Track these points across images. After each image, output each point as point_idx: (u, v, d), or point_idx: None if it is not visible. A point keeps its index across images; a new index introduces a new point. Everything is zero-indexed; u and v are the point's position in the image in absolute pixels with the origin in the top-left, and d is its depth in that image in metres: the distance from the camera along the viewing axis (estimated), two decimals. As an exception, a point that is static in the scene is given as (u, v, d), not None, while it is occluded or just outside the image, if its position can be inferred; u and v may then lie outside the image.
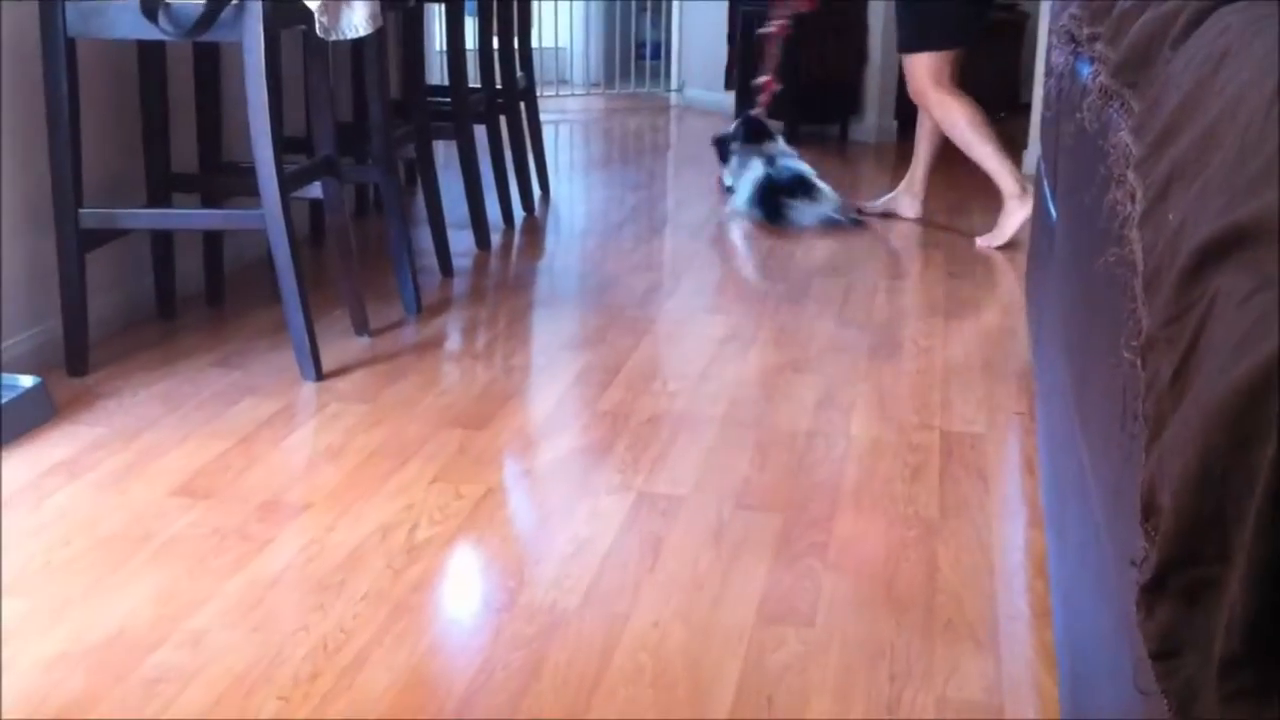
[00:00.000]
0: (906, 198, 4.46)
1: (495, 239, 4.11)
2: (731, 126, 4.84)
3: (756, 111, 4.88)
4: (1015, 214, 4.05)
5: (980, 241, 4.13)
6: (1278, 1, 1.17)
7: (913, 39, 4.09)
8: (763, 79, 4.99)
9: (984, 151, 4.07)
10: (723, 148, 4.77)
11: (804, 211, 4.33)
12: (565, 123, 6.75)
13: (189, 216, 3.07)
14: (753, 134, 4.68)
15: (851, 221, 4.36)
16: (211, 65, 3.16)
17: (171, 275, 3.17)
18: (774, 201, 4.34)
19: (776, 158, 4.51)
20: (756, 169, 4.43)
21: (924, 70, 4.05)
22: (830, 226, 4.31)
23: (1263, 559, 0.60)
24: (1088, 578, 1.30)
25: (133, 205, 3.04)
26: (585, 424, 2.61)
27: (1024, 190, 4.02)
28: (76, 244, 2.73)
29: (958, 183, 4.83)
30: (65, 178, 2.68)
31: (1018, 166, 5.26)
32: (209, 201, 3.22)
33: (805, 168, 4.49)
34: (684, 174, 5.54)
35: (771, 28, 4.91)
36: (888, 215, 4.46)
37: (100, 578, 1.96)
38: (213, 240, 3.30)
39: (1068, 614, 1.51)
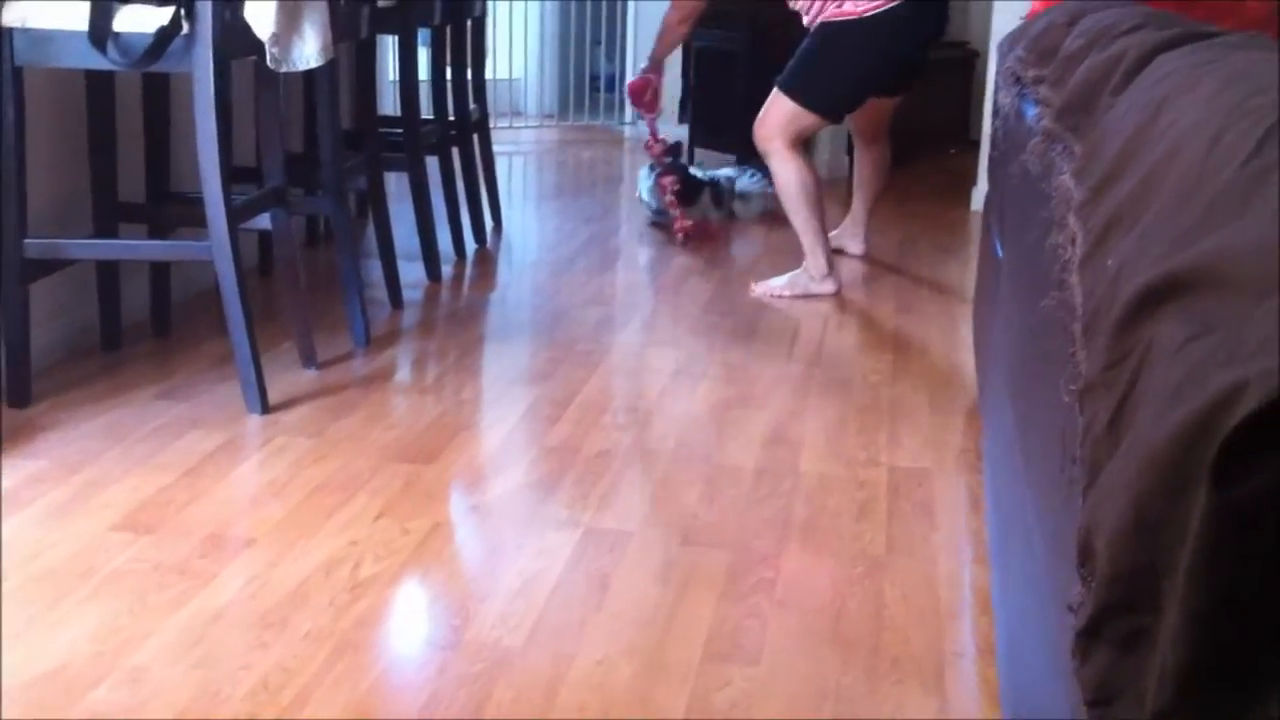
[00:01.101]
0: (849, 234, 4.46)
1: (447, 271, 4.10)
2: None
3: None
4: (806, 283, 3.92)
5: (757, 287, 3.95)
6: (1216, 49, 1.18)
7: (797, 83, 3.86)
8: (676, 215, 4.68)
9: (804, 222, 3.89)
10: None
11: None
12: (519, 154, 6.75)
13: (136, 247, 3.04)
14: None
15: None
16: (161, 95, 3.14)
17: (117, 305, 3.14)
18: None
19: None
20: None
21: (784, 116, 3.86)
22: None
23: (1195, 610, 0.61)
24: (1030, 618, 1.30)
25: (79, 235, 3.01)
26: (534, 458, 2.60)
27: (829, 274, 3.90)
28: (20, 273, 2.69)
29: (907, 217, 4.87)
30: (10, 206, 2.65)
31: (967, 205, 5.32)
32: (156, 232, 3.19)
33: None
34: (638, 207, 5.56)
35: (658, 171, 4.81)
36: (834, 252, 4.47)
37: (40, 613, 1.92)
38: (160, 271, 3.27)
39: (1010, 653, 1.52)
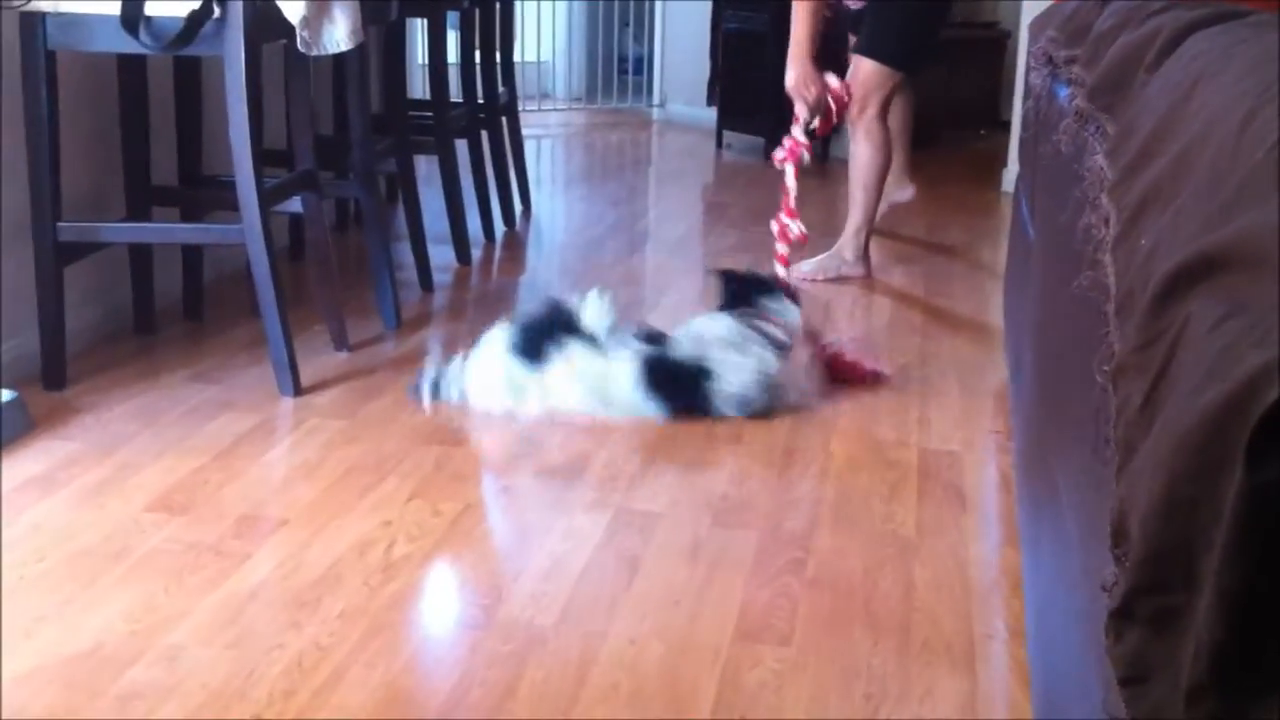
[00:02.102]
0: (895, 186, 4.42)
1: (476, 254, 4.11)
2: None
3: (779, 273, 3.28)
4: (839, 266, 3.93)
5: (798, 270, 3.74)
6: (1249, 27, 1.18)
7: (878, 46, 3.88)
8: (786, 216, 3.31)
9: (864, 200, 3.90)
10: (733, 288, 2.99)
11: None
12: (547, 137, 6.76)
13: (168, 230, 3.06)
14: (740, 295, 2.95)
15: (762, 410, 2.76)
16: (192, 79, 3.16)
17: (150, 289, 3.16)
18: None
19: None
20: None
21: (877, 81, 3.87)
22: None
23: (1229, 588, 0.61)
24: (1061, 599, 1.30)
25: (112, 219, 3.03)
26: (563, 440, 2.60)
27: (860, 260, 3.92)
28: (54, 257, 2.72)
29: (936, 199, 4.85)
30: (44, 190, 2.68)
31: (997, 186, 5.30)
32: (188, 215, 3.21)
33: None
34: (665, 189, 5.56)
35: (784, 151, 3.37)
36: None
37: (75, 593, 1.95)
38: (192, 254, 3.29)
39: (1041, 634, 1.52)
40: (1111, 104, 1.38)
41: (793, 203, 3.26)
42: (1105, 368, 0.93)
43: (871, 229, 3.99)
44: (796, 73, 3.72)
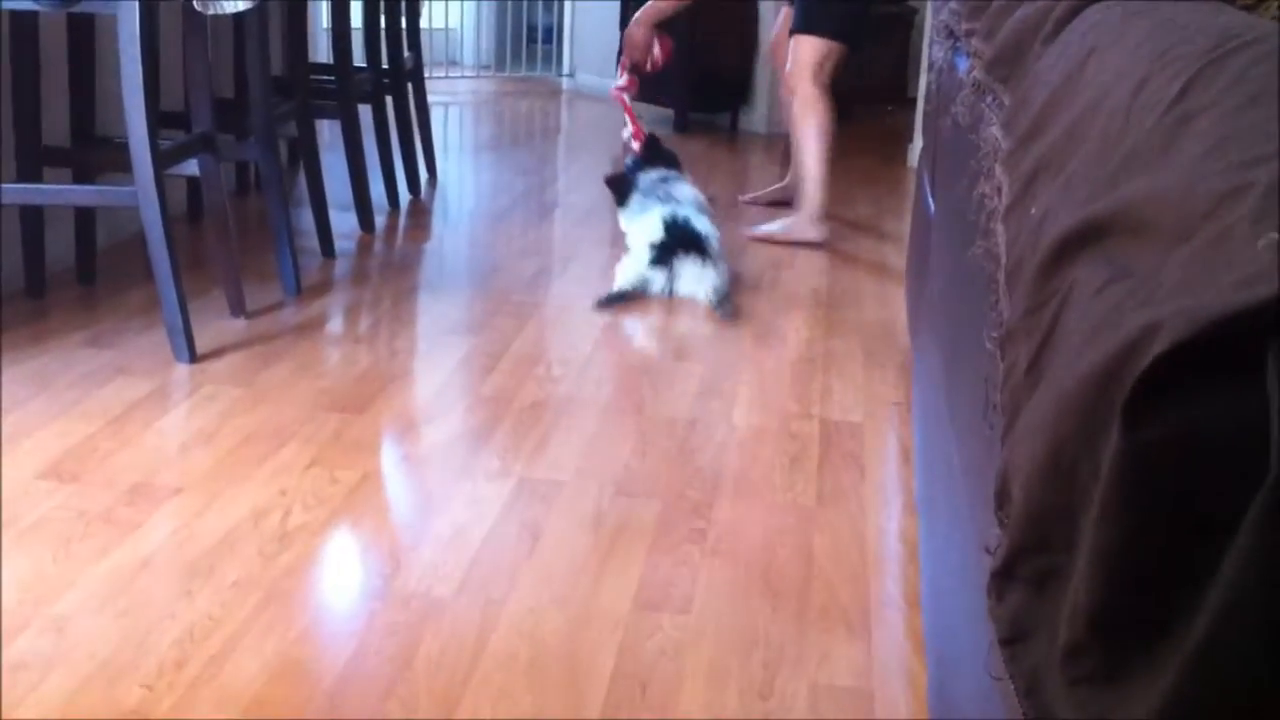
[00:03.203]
0: (796, 186, 4.48)
1: (380, 221, 4.06)
2: (626, 164, 3.97)
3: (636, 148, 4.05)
4: (799, 229, 4.05)
5: (749, 231, 4.09)
6: (1145, 1, 1.19)
7: (811, 21, 4.03)
8: (629, 131, 4.21)
9: (815, 166, 4.03)
10: (619, 188, 3.78)
11: (689, 275, 3.38)
12: (455, 105, 6.69)
13: (60, 192, 2.98)
14: (652, 157, 3.87)
15: (725, 311, 3.30)
16: (86, 36, 3.07)
17: (41, 252, 3.08)
18: (670, 248, 3.40)
19: (678, 205, 3.53)
20: (654, 217, 3.48)
21: (811, 56, 4.01)
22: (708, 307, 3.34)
23: (1106, 547, 0.61)
24: (953, 565, 1.32)
25: (2, 179, 2.94)
26: (467, 408, 2.59)
27: (818, 223, 4.04)
28: (-60, 218, 2.63)
29: (845, 173, 4.87)
30: (-72, 149, 2.59)
31: (904, 161, 5.35)
32: (81, 176, 3.13)
33: (708, 224, 3.51)
34: (574, 159, 5.53)
35: (622, 82, 4.23)
36: (776, 204, 4.48)
37: (-42, 562, 1.90)
38: (85, 216, 3.21)
39: (935, 601, 1.53)
40: (1008, 75, 1.39)
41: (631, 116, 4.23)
42: (994, 334, 0.94)
43: (825, 195, 4.07)
44: (640, 30, 4.25)
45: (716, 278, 3.37)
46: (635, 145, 4.07)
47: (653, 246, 3.40)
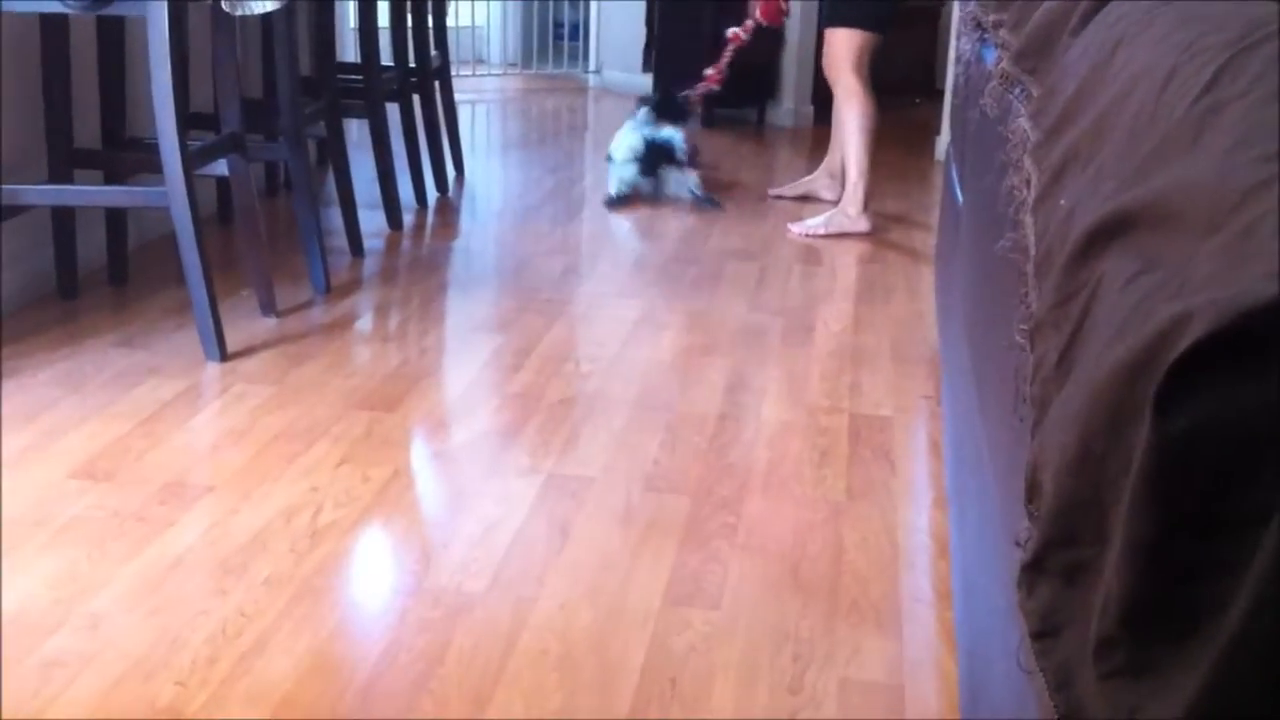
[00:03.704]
0: (825, 180, 4.49)
1: (408, 219, 4.07)
2: (655, 95, 4.77)
3: (690, 94, 4.68)
4: (844, 221, 4.08)
5: (795, 227, 4.10)
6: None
7: (841, 13, 4.07)
8: (710, 72, 4.68)
9: (858, 156, 4.07)
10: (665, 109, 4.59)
11: (672, 180, 4.40)
12: (481, 103, 6.70)
13: (91, 193, 3.00)
14: (671, 111, 4.56)
15: (710, 202, 4.37)
16: (116, 39, 3.09)
17: (73, 253, 3.10)
18: (652, 161, 4.39)
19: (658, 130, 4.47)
20: (635, 139, 4.41)
21: (845, 47, 4.04)
22: (693, 203, 4.37)
23: (1137, 541, 0.61)
24: (985, 559, 1.31)
25: (34, 181, 2.97)
26: (496, 406, 2.59)
27: (862, 214, 4.06)
28: (-27, 220, 2.66)
29: (872, 167, 4.85)
30: (-39, 152, 2.62)
31: (931, 155, 5.33)
32: (112, 178, 3.15)
33: (679, 140, 4.41)
34: (601, 156, 5.52)
35: (740, 31, 4.59)
36: (805, 199, 4.48)
37: (-6, 561, 1.91)
38: (116, 217, 3.23)
39: (966, 595, 1.53)
40: (1036, 67, 1.38)
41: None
42: (1023, 327, 0.94)
43: (869, 185, 4.08)
44: None
45: (693, 177, 4.37)
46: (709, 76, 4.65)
47: (639, 159, 4.36)
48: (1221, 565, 0.58)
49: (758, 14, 4.57)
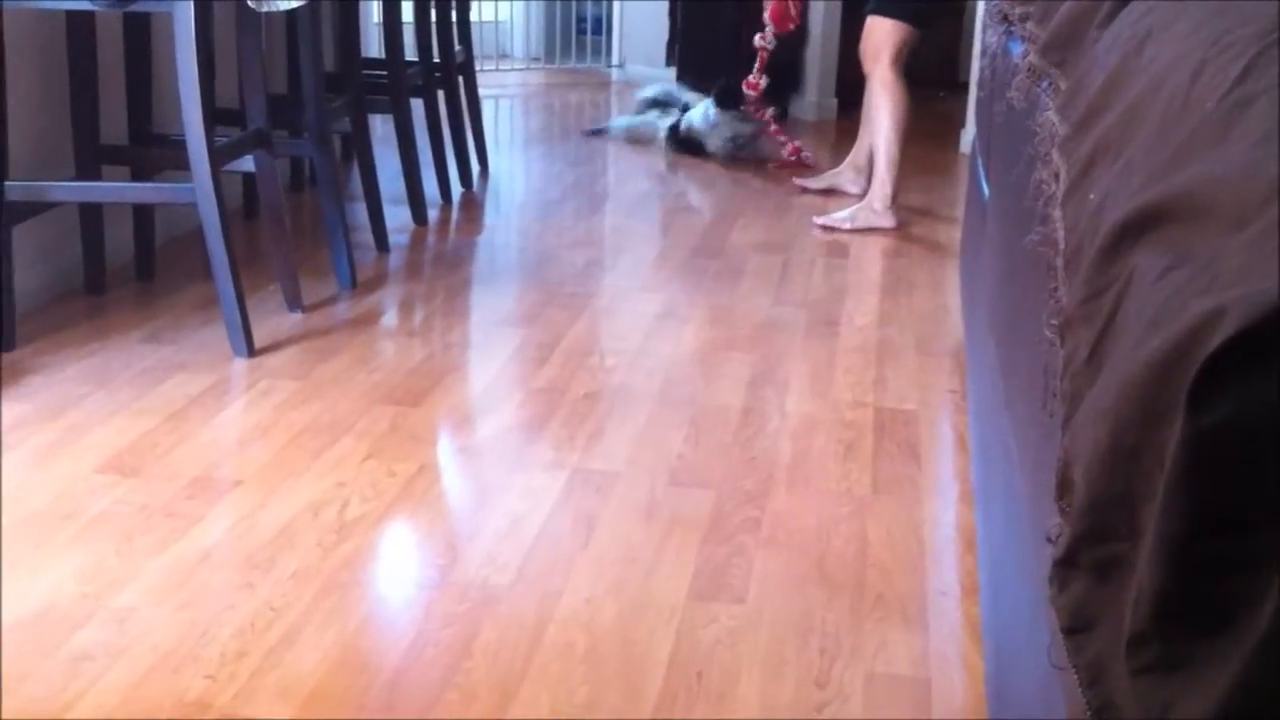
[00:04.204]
0: (850, 174, 4.47)
1: (432, 214, 4.08)
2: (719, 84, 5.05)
3: (744, 107, 4.97)
4: (869, 216, 4.06)
5: (820, 221, 4.09)
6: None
7: (885, 3, 4.06)
8: (750, 79, 4.91)
9: (888, 149, 4.05)
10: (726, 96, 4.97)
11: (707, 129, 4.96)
12: (505, 97, 6.70)
13: (118, 189, 3.02)
14: (730, 99, 4.92)
15: (748, 145, 4.99)
16: (142, 35, 3.11)
17: (100, 249, 3.12)
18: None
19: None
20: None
21: (887, 36, 4.02)
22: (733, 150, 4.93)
23: (1170, 536, 0.61)
24: (1012, 554, 1.31)
25: (61, 178, 2.98)
26: (520, 400, 2.60)
27: (889, 210, 4.04)
28: (2, 216, 2.67)
29: (900, 162, 4.84)
30: (-10, 148, 2.63)
31: (956, 148, 5.31)
32: (139, 174, 3.17)
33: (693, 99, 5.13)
34: (624, 150, 5.53)
35: (760, 39, 4.79)
36: (830, 192, 4.46)
37: (25, 555, 1.93)
38: (143, 213, 3.25)
39: (993, 590, 1.53)
40: (1063, 59, 1.37)
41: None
42: (1053, 322, 0.93)
43: (897, 180, 4.06)
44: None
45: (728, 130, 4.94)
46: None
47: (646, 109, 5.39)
48: (1255, 561, 0.58)
49: (768, 18, 4.67)
